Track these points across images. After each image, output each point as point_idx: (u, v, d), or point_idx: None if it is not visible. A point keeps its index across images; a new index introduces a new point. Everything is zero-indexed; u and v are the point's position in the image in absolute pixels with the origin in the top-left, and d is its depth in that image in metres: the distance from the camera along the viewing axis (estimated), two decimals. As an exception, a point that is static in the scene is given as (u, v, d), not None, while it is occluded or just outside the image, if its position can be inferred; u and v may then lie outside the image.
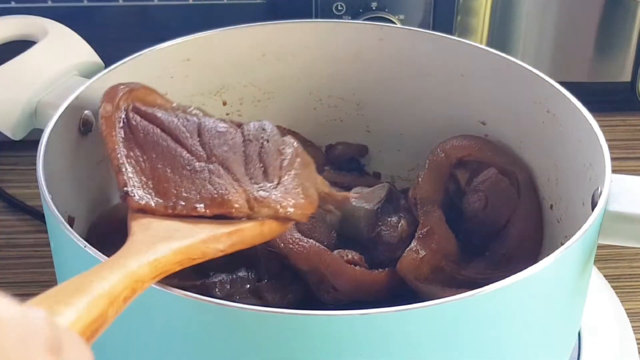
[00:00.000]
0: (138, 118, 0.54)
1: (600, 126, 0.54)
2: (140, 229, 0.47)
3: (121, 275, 0.41)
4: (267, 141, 0.55)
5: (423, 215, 0.60)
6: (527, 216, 0.61)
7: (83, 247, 0.45)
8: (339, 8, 0.80)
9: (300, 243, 0.56)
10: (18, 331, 0.29)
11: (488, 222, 0.61)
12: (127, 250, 0.44)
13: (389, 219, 0.60)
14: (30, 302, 0.34)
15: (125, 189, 0.49)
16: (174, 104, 0.57)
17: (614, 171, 0.51)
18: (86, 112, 0.58)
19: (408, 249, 0.59)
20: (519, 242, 0.60)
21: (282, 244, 0.56)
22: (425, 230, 0.59)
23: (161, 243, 0.46)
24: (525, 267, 0.45)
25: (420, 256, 0.58)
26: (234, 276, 0.55)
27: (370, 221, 0.59)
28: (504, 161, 0.62)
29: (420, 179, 0.62)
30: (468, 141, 0.63)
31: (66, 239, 0.46)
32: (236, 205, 0.49)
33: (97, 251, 0.44)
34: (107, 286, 0.39)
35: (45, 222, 0.51)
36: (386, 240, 0.59)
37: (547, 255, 0.45)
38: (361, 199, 0.60)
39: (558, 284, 0.48)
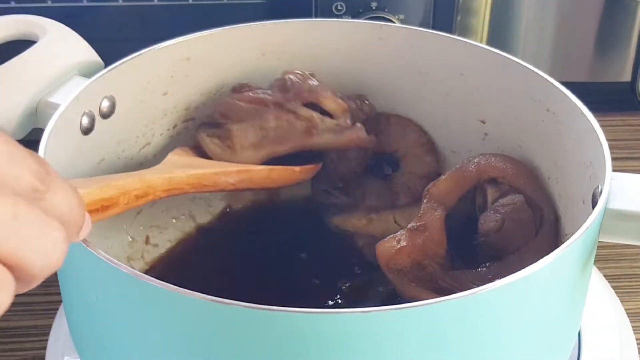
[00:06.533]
0: None
1: (600, 126, 0.54)
2: (171, 159, 0.60)
3: (135, 178, 0.52)
4: None
5: (424, 211, 0.60)
6: (538, 255, 0.59)
7: (85, 246, 0.45)
8: (339, 8, 0.80)
9: None
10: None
11: (497, 245, 0.59)
12: (150, 169, 0.57)
13: None
14: None
15: None
16: None
17: (614, 172, 0.51)
18: (87, 111, 0.58)
19: (392, 235, 0.59)
20: None
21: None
22: (418, 224, 0.59)
23: (179, 168, 0.57)
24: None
25: (399, 246, 0.58)
26: None
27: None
28: (535, 194, 0.60)
29: (442, 178, 0.62)
30: (506, 164, 0.61)
31: (67, 238, 0.46)
32: None
33: (98, 250, 0.44)
34: (120, 181, 0.50)
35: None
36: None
37: (542, 246, 0.45)
38: None
39: (558, 283, 0.47)
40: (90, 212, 0.45)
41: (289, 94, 0.62)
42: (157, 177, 0.54)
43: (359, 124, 0.64)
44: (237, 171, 0.60)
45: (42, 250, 0.35)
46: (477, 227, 0.60)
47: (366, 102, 0.66)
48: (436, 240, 0.59)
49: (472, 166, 0.61)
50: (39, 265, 0.35)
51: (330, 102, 0.63)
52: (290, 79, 0.63)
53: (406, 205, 0.65)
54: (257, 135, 0.62)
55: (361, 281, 0.64)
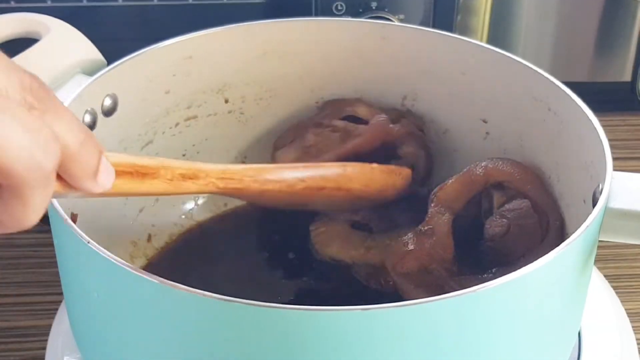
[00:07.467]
0: None
1: (601, 126, 0.54)
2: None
3: (184, 163, 0.50)
4: None
5: (432, 214, 0.59)
6: None
7: (86, 243, 0.45)
8: (339, 8, 0.80)
9: None
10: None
11: (503, 250, 0.59)
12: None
13: None
14: None
15: None
16: None
17: (614, 171, 0.51)
18: (89, 109, 0.58)
19: (400, 239, 0.58)
20: None
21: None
22: (426, 228, 0.59)
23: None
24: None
25: (407, 249, 0.57)
26: None
27: None
28: (541, 199, 0.60)
29: (449, 181, 0.61)
30: (513, 168, 0.61)
31: (70, 236, 0.46)
32: None
33: (101, 247, 0.45)
34: (164, 159, 0.47)
35: (45, 222, 0.51)
36: None
37: (548, 252, 0.45)
38: None
39: (559, 282, 0.47)
40: (123, 173, 0.43)
41: (326, 111, 0.67)
42: (210, 166, 0.52)
43: (382, 115, 0.66)
44: (306, 165, 0.60)
45: (28, 150, 0.30)
46: (483, 232, 0.60)
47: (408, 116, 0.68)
48: (443, 245, 0.58)
49: (480, 170, 0.61)
50: (23, 165, 0.30)
51: (362, 109, 0.66)
52: (326, 100, 0.68)
53: (403, 228, 0.64)
54: (298, 153, 0.66)
55: (362, 282, 0.64)
